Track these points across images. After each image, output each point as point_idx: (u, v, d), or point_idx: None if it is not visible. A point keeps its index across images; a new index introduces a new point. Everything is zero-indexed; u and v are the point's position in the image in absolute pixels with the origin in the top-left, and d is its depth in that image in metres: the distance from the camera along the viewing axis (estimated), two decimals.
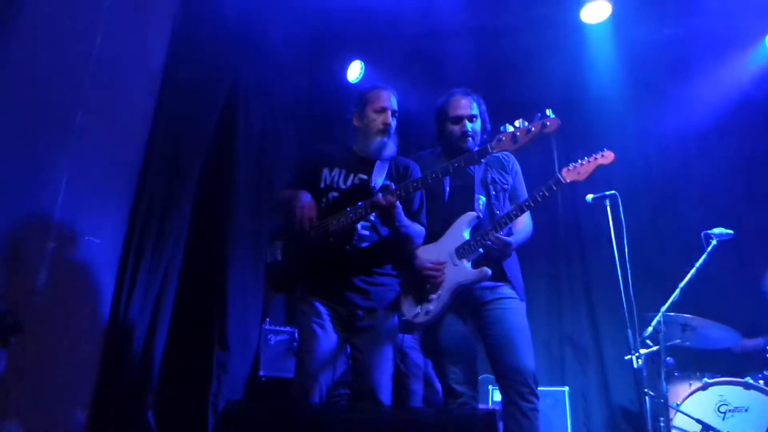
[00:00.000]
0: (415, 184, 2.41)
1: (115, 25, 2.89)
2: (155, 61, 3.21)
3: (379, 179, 2.56)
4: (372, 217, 2.51)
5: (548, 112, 2.21)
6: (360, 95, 2.70)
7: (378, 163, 2.59)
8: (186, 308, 3.41)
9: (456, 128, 2.77)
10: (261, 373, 3.78)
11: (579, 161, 2.50)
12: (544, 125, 2.19)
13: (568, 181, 2.48)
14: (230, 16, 3.77)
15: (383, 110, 2.59)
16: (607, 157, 2.45)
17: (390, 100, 2.63)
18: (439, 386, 2.92)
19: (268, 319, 4.00)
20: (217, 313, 3.62)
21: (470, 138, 2.75)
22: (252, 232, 3.95)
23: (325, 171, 2.63)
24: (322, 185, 2.60)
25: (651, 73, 4.68)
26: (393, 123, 2.61)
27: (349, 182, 2.59)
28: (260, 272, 2.70)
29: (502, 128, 2.27)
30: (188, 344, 3.44)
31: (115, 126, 2.95)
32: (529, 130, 2.20)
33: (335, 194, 2.57)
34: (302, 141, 4.52)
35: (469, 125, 2.75)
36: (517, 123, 2.23)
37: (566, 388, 4.19)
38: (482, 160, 2.80)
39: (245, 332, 3.80)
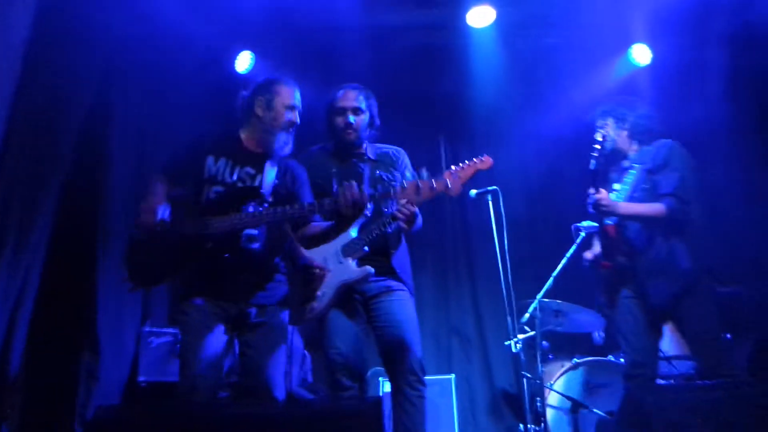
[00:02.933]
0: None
1: None
2: (17, 35, 2.89)
3: (269, 179, 2.50)
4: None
5: (453, 168, 2.41)
6: (268, 84, 2.59)
7: (268, 161, 2.53)
8: (50, 311, 3.12)
9: (340, 120, 2.79)
10: (140, 378, 3.58)
11: (460, 165, 2.60)
12: (446, 187, 2.34)
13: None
14: None
15: (293, 108, 2.54)
16: (485, 162, 2.58)
17: (298, 97, 2.59)
18: None
19: (148, 320, 3.78)
20: (86, 315, 3.34)
21: (353, 131, 2.78)
22: (130, 226, 3.69)
23: (210, 159, 2.50)
24: (206, 175, 2.47)
25: (531, 79, 4.98)
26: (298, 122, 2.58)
27: (235, 175, 2.49)
28: None
29: (409, 175, 2.52)
30: (53, 350, 3.14)
31: None
32: (432, 188, 2.34)
33: (220, 189, 2.46)
34: (189, 130, 4.30)
35: (352, 117, 2.78)
36: (423, 172, 2.37)
37: (452, 376, 4.36)
38: (371, 157, 2.85)
39: (120, 335, 3.55)
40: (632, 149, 2.99)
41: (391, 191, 2.38)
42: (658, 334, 2.90)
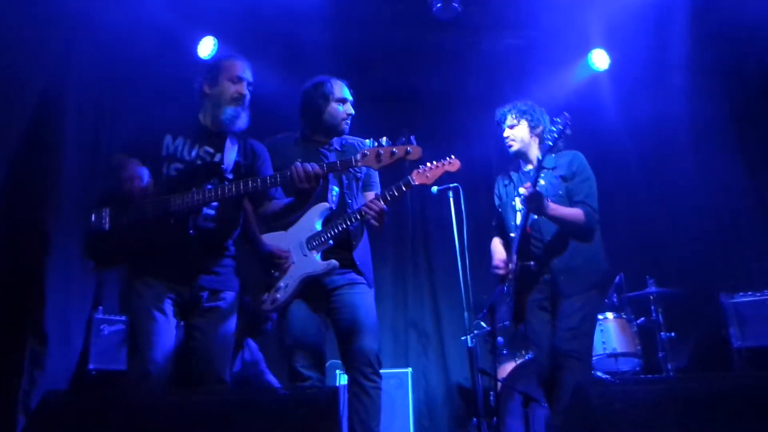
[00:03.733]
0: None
1: None
2: None
3: (230, 157, 2.47)
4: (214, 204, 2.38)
5: (412, 138, 2.31)
6: (213, 63, 2.56)
7: (228, 139, 2.49)
8: None
9: (342, 109, 2.80)
10: (91, 366, 3.48)
11: (428, 165, 2.59)
12: (407, 152, 2.28)
13: (417, 183, 2.58)
14: None
15: (239, 80, 2.48)
16: (453, 164, 2.59)
17: (246, 71, 2.52)
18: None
19: (101, 307, 3.67)
20: (32, 302, 3.21)
21: (349, 122, 2.82)
22: (82, 211, 3.57)
23: (168, 138, 2.45)
24: (164, 153, 2.43)
25: (493, 77, 5.06)
26: (248, 95, 2.50)
27: (193, 153, 2.45)
28: None
29: (369, 142, 2.36)
30: None
31: None
32: (393, 153, 2.28)
33: (179, 165, 2.41)
34: (147, 113, 4.19)
35: (352, 109, 2.82)
36: (383, 140, 2.31)
37: (409, 370, 4.40)
38: (337, 147, 2.85)
39: (68, 322, 3.43)
40: (533, 156, 2.95)
41: (353, 160, 2.32)
42: None
